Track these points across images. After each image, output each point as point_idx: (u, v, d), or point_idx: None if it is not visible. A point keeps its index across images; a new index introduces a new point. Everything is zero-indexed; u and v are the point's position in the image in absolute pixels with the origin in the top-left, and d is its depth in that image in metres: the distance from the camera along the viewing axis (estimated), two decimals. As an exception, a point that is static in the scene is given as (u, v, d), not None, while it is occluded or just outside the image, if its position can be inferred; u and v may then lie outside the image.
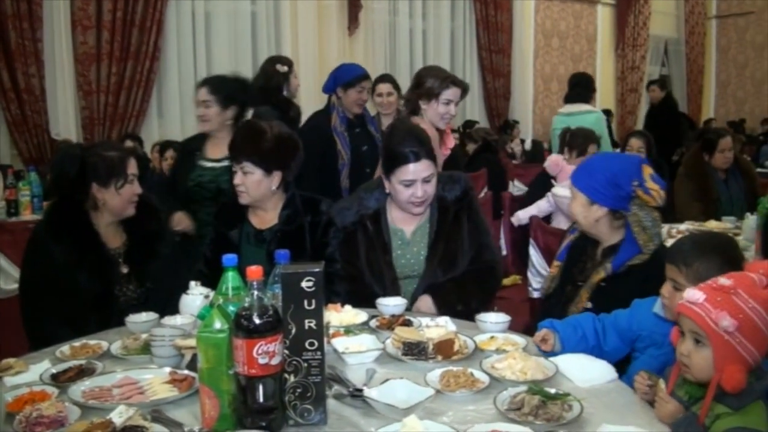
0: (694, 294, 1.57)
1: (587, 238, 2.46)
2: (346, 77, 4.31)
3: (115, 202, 2.63)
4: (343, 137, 4.29)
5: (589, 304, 2.30)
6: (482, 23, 9.79)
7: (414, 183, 2.63)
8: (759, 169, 6.94)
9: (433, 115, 3.49)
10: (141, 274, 2.69)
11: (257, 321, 1.48)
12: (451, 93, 3.49)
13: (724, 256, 1.85)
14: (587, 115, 5.83)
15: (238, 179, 2.67)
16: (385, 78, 5.01)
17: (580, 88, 6.19)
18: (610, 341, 2.05)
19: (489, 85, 10.11)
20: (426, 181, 2.64)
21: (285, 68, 4.36)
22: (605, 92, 11.46)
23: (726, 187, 4.76)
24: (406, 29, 8.95)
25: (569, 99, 6.21)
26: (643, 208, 2.30)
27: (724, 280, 1.57)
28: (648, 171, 2.30)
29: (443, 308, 2.53)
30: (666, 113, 8.00)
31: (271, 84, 4.28)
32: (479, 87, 10.13)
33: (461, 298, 2.62)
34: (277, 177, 2.70)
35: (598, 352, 2.01)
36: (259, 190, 2.68)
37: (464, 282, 2.68)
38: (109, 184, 2.60)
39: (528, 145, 10.02)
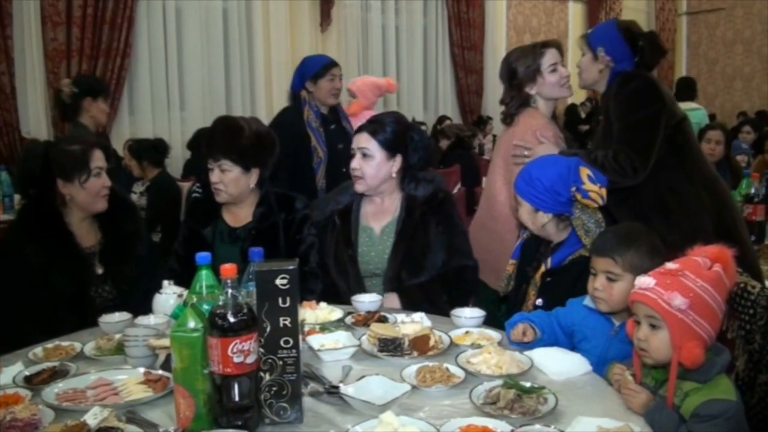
0: (645, 281, 1.70)
1: (539, 236, 2.51)
2: (313, 68, 4.11)
3: (82, 196, 2.57)
4: (318, 133, 4.10)
5: (540, 301, 2.34)
6: (454, 20, 9.82)
7: (354, 153, 2.72)
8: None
9: (550, 90, 3.08)
10: (116, 275, 2.64)
11: (232, 319, 1.47)
12: (549, 57, 3.06)
13: (648, 244, 2.01)
14: (696, 112, 6.76)
15: (215, 177, 2.65)
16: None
17: (688, 89, 7.54)
18: (558, 332, 2.13)
19: (462, 81, 10.14)
20: (364, 155, 2.69)
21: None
22: (577, 88, 11.53)
23: None
24: (379, 25, 8.95)
25: (679, 98, 6.75)
26: (585, 211, 2.35)
27: (671, 265, 1.71)
28: (585, 172, 2.34)
29: (410, 308, 2.48)
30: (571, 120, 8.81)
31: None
32: (452, 83, 10.16)
33: (428, 298, 2.59)
34: (254, 174, 2.69)
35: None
36: (237, 187, 2.67)
37: (431, 285, 2.66)
38: (72, 178, 2.54)
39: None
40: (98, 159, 2.62)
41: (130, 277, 2.65)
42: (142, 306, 2.28)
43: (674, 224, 2.67)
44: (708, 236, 2.43)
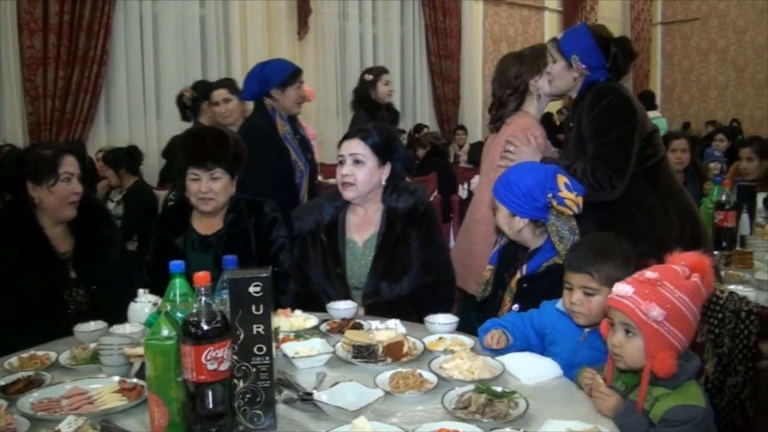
0: (623, 288, 1.71)
1: (517, 243, 2.53)
2: (281, 75, 3.82)
3: (50, 201, 2.58)
4: (295, 146, 3.86)
5: (516, 307, 2.36)
6: (431, 28, 9.87)
7: (344, 160, 2.69)
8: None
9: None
10: (90, 279, 2.65)
11: (205, 327, 1.48)
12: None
13: (621, 254, 2.03)
14: (657, 120, 6.95)
15: (203, 186, 2.63)
16: (222, 83, 4.68)
17: (648, 100, 8.07)
18: (531, 336, 2.16)
19: (438, 90, 10.18)
20: (356, 161, 2.67)
21: (370, 77, 5.16)
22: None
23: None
24: (356, 33, 8.98)
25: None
26: (561, 218, 2.38)
27: (650, 274, 1.71)
28: (563, 180, 2.37)
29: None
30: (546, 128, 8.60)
31: (362, 92, 5.14)
32: (429, 92, 10.21)
33: (396, 316, 2.45)
34: (235, 181, 2.72)
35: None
36: (226, 195, 2.69)
37: (400, 301, 2.63)
38: (41, 182, 2.55)
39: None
40: (69, 164, 2.62)
41: (103, 282, 2.66)
42: (116, 312, 2.28)
43: (639, 235, 2.70)
44: (671, 247, 2.47)
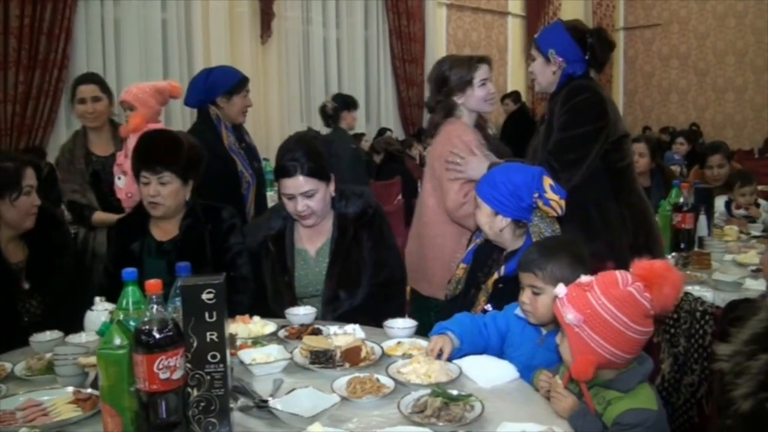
0: (560, 289, 1.75)
1: (493, 243, 2.54)
2: (228, 82, 3.71)
3: (11, 214, 2.53)
4: (242, 156, 3.72)
5: (489, 306, 2.37)
6: (395, 33, 9.88)
7: (294, 197, 2.61)
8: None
9: (476, 104, 3.11)
10: (43, 289, 2.60)
11: (157, 335, 1.47)
12: (482, 72, 3.10)
13: (570, 254, 2.05)
14: None
15: (151, 190, 2.60)
16: (90, 78, 3.93)
17: None
18: (492, 336, 2.16)
19: (403, 94, 10.19)
20: (308, 196, 2.60)
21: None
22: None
23: (648, 195, 4.91)
24: (320, 38, 8.94)
25: None
26: (544, 220, 2.40)
27: (585, 278, 1.74)
28: (548, 182, 2.39)
29: None
30: (523, 123, 8.78)
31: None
32: (393, 96, 10.20)
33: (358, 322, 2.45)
34: (190, 187, 2.69)
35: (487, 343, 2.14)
36: (176, 200, 2.65)
37: (357, 311, 2.60)
38: (3, 196, 2.50)
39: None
40: (30, 177, 2.58)
41: (57, 291, 2.61)
42: (71, 322, 2.26)
43: (594, 234, 2.73)
44: (623, 253, 2.52)
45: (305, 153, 2.60)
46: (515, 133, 7.95)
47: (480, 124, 3.23)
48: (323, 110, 6.20)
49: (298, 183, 2.58)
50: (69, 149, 3.76)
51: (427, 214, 3.12)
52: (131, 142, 3.35)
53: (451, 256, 2.95)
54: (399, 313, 2.55)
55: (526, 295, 2.06)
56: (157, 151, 2.64)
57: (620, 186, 2.88)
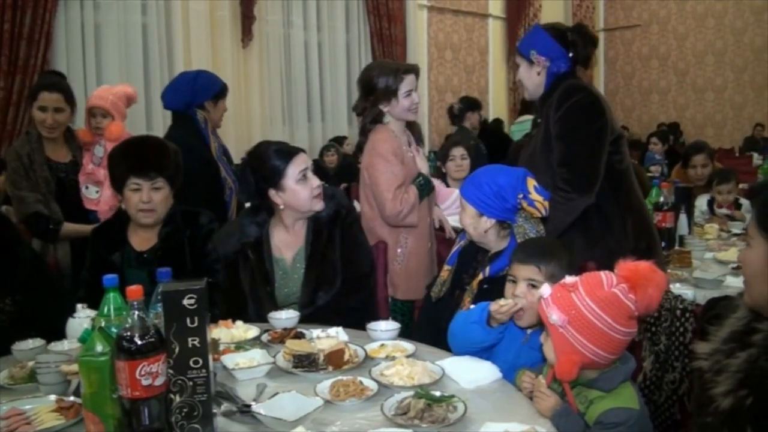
0: (545, 290, 1.77)
1: (477, 244, 2.55)
2: (215, 87, 3.70)
3: None
4: (224, 162, 3.69)
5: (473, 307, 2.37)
6: (377, 36, 9.87)
7: (306, 175, 2.71)
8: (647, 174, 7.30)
9: (400, 113, 3.23)
10: (6, 284, 2.52)
11: (139, 342, 1.46)
12: (408, 82, 3.21)
13: (565, 257, 2.10)
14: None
15: (144, 197, 2.58)
16: (55, 86, 3.62)
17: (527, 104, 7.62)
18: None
19: (386, 96, 10.19)
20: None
21: None
22: (498, 102, 11.81)
23: None
24: (301, 42, 8.91)
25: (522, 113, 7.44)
26: (529, 221, 2.42)
27: (570, 279, 1.76)
28: (532, 183, 2.41)
29: None
30: (496, 127, 9.29)
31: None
32: (376, 98, 10.20)
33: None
34: (172, 193, 2.68)
35: None
36: (166, 206, 2.65)
37: (330, 312, 2.62)
38: None
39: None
40: None
41: (21, 284, 2.54)
42: (49, 323, 2.24)
43: (594, 240, 2.74)
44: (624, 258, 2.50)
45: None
46: (495, 137, 7.90)
47: (410, 124, 3.38)
48: (450, 111, 6.95)
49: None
50: (26, 153, 3.46)
51: (365, 221, 3.20)
52: (108, 149, 3.28)
53: (393, 256, 3.17)
54: (364, 307, 2.64)
55: (520, 289, 2.07)
56: (149, 157, 2.62)
57: (621, 189, 2.85)
